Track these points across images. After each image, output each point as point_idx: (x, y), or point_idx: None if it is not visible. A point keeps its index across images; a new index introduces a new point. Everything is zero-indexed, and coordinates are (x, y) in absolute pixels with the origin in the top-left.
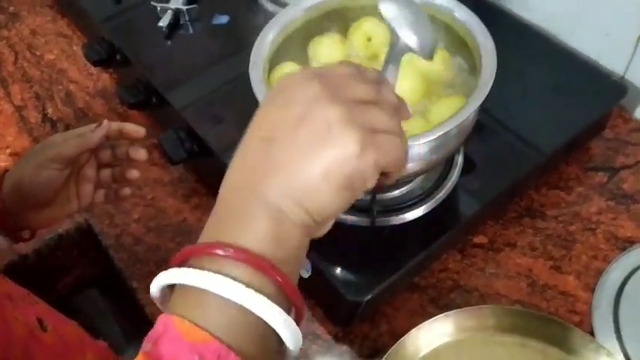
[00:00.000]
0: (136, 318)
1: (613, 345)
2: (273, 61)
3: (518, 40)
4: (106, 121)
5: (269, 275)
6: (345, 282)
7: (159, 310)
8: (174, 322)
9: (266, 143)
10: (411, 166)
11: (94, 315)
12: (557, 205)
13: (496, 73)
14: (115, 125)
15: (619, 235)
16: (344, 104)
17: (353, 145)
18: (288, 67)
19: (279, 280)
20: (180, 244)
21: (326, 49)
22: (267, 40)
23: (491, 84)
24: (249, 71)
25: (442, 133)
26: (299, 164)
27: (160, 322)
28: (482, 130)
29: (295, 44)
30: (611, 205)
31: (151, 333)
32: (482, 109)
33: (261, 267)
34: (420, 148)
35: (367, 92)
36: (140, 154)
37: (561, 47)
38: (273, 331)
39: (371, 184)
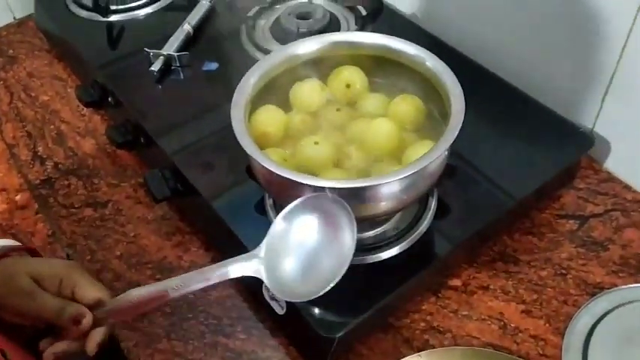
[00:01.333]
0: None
1: None
2: (255, 104)
3: (492, 93)
4: (85, 321)
5: None
6: (319, 319)
7: (142, 357)
8: None
9: None
10: (384, 205)
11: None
12: (529, 251)
13: (470, 122)
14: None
15: (589, 280)
16: None
17: None
18: (270, 110)
19: None
20: (159, 280)
21: (306, 94)
22: (249, 83)
23: (459, 127)
24: (231, 111)
25: (412, 172)
26: None
27: None
28: (455, 175)
29: (277, 89)
30: (582, 252)
31: None
32: (456, 154)
33: None
34: (391, 187)
35: None
36: (91, 346)
37: (532, 100)
38: None
39: None
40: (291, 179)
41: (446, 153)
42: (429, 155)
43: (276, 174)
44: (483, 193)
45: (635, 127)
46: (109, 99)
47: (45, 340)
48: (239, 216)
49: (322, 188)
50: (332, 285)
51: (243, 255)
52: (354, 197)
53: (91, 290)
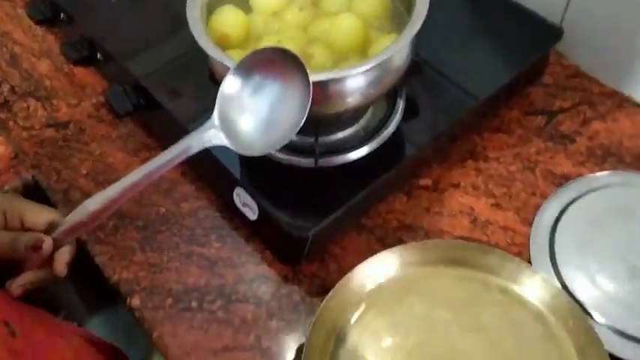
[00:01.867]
0: (94, 282)
1: (548, 271)
2: (213, 6)
3: None
4: (45, 245)
5: None
6: (291, 220)
7: (117, 270)
8: None
9: None
10: (350, 100)
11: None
12: (498, 148)
13: (436, 19)
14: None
15: (556, 172)
16: None
17: None
18: (229, 10)
19: None
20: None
21: None
22: None
23: (423, 17)
24: (187, 12)
25: (376, 63)
26: None
27: None
28: (422, 73)
29: None
30: (549, 146)
31: None
32: (423, 52)
33: None
34: (356, 80)
35: None
36: (60, 269)
37: None
38: None
39: None
40: None
41: (410, 46)
42: (392, 46)
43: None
44: (451, 92)
45: (603, 20)
46: (62, 15)
47: (9, 281)
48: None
49: None
50: (294, 134)
51: (199, 129)
52: (321, 92)
53: (40, 214)
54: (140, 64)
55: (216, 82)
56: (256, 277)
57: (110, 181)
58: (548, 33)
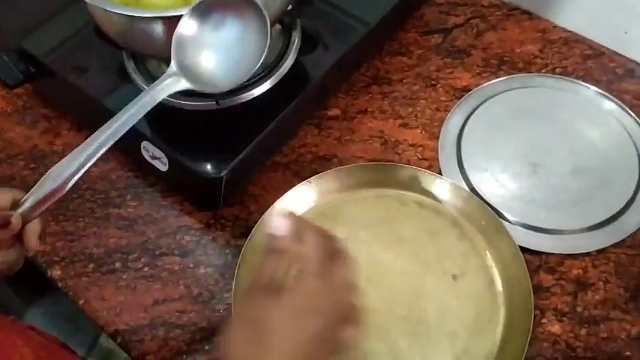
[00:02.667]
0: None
1: (458, 179)
2: None
3: None
4: (14, 219)
5: None
6: (202, 164)
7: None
8: None
9: None
10: None
11: None
12: (400, 70)
13: None
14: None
15: (457, 86)
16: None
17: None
18: None
19: None
20: (34, 170)
21: None
22: None
23: None
24: None
25: None
26: None
27: None
28: (315, 6)
29: None
30: (448, 62)
31: None
32: None
33: None
34: None
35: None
36: (32, 244)
37: None
38: None
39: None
40: (139, 16)
41: None
42: None
43: (123, 15)
44: (344, 20)
45: None
46: None
47: None
48: (103, 87)
49: (176, 17)
50: (254, 68)
51: (159, 79)
52: None
53: (1, 195)
54: (23, 27)
55: (101, 35)
56: (178, 228)
57: (12, 157)
58: None
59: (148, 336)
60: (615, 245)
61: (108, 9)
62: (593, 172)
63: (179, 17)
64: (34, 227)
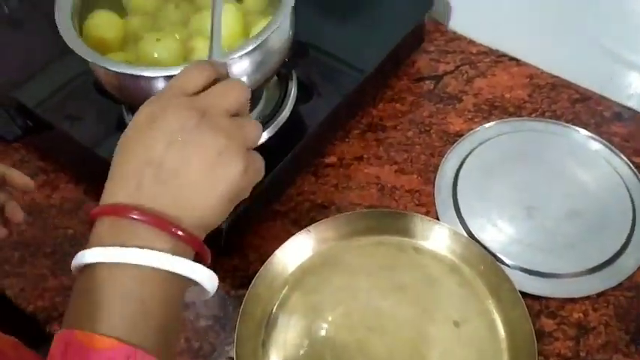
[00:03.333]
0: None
1: (455, 224)
2: (84, 11)
3: None
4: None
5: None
6: None
7: (31, 299)
8: (77, 336)
9: (157, 171)
10: None
11: None
12: (394, 117)
13: (315, 5)
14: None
15: (449, 131)
16: (224, 130)
17: (240, 166)
18: (102, 14)
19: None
20: (31, 224)
21: None
22: None
23: None
24: (55, 17)
25: (254, 45)
26: (200, 194)
27: (60, 340)
28: (310, 57)
29: None
30: (440, 108)
31: (52, 352)
32: (308, 36)
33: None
34: (242, 64)
35: (238, 107)
36: (18, 217)
37: None
38: (182, 284)
39: (247, 194)
40: (139, 75)
41: (288, 26)
42: (269, 26)
43: (123, 74)
44: (338, 70)
45: None
46: None
47: None
48: (101, 139)
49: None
50: None
51: None
52: None
53: None
54: (22, 86)
55: (101, 91)
56: None
57: None
58: (419, 3)
59: None
60: (614, 288)
61: (110, 68)
62: (588, 214)
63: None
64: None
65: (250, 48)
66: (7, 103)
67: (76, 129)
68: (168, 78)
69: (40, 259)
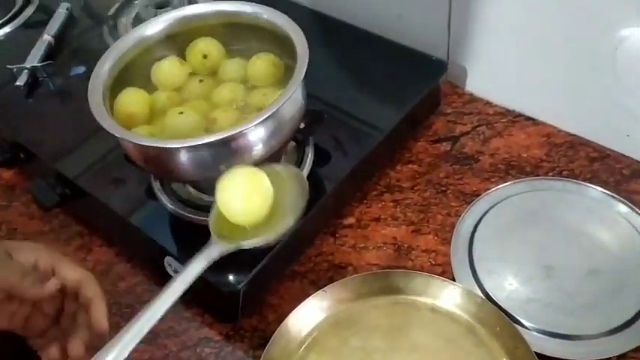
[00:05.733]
0: None
1: (471, 284)
2: (116, 88)
3: (348, 41)
4: (51, 284)
5: None
6: (221, 277)
7: None
8: None
9: None
10: (256, 152)
11: None
12: (411, 178)
13: (331, 69)
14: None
15: (466, 191)
16: None
17: None
18: (131, 91)
19: None
20: None
21: (167, 71)
22: (104, 69)
23: (305, 66)
24: (88, 97)
25: (269, 114)
26: None
27: None
28: (324, 121)
29: (137, 73)
30: (457, 168)
31: None
32: (323, 100)
33: None
34: (256, 133)
35: None
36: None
37: (387, 41)
38: None
39: None
40: (160, 147)
41: (301, 94)
42: (279, 98)
43: (146, 146)
44: (355, 134)
45: (485, 51)
46: None
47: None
48: (132, 206)
49: (196, 147)
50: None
51: (204, 250)
52: (226, 149)
53: (74, 270)
54: (62, 154)
55: (130, 162)
56: (199, 341)
57: None
58: (434, 67)
59: None
60: (635, 349)
61: (134, 141)
62: (608, 274)
63: (202, 145)
64: (101, 307)
65: (264, 117)
66: (44, 172)
67: (108, 196)
68: (187, 148)
69: None
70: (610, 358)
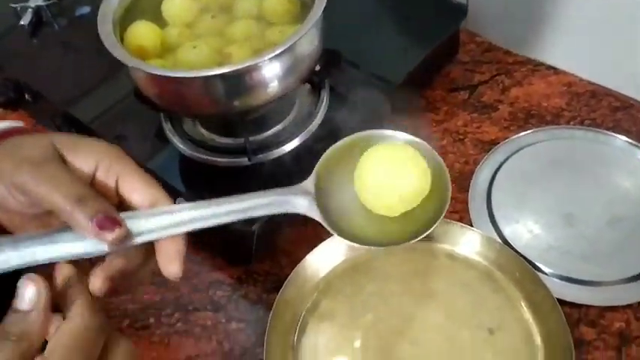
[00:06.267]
0: None
1: (489, 230)
2: (126, 21)
3: None
4: (117, 232)
5: None
6: None
7: None
8: None
9: None
10: (271, 90)
11: None
12: (428, 126)
13: (348, 14)
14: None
15: (484, 139)
16: None
17: None
18: (142, 24)
19: None
20: None
21: (178, 6)
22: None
23: (324, 2)
24: (98, 27)
25: (285, 48)
26: None
27: None
28: (342, 66)
29: (147, 6)
30: (475, 117)
31: None
32: (340, 45)
33: None
34: (272, 67)
35: None
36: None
37: None
38: None
39: None
40: (173, 76)
41: (318, 31)
42: (297, 31)
43: (159, 76)
44: (370, 79)
45: None
46: None
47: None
48: (142, 147)
49: (209, 78)
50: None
51: (284, 190)
52: (240, 83)
53: (146, 188)
54: (70, 97)
55: (140, 98)
56: (211, 284)
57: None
58: (453, 12)
59: None
60: None
61: (147, 70)
62: (629, 221)
63: (216, 77)
64: (172, 247)
65: (280, 50)
66: (55, 115)
67: (119, 138)
68: (201, 79)
69: None
70: (631, 304)
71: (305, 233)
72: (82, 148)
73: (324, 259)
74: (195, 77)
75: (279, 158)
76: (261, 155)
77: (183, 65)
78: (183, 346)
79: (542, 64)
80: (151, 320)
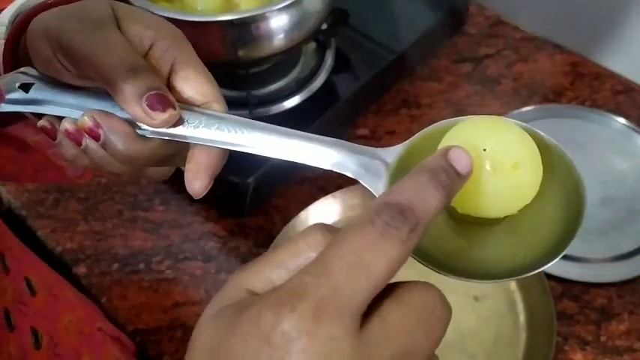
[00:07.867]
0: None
1: None
2: None
3: None
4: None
5: None
6: (230, 169)
7: (60, 241)
8: None
9: None
10: (276, 43)
11: None
12: (430, 95)
13: None
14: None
15: (486, 113)
16: None
17: None
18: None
19: None
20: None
21: None
22: None
23: None
24: None
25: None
26: None
27: None
28: (348, 29)
29: None
30: (478, 90)
31: None
32: (348, 8)
33: None
34: (279, 19)
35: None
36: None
37: None
38: None
39: None
40: (179, 19)
41: None
42: None
43: (166, 17)
44: (376, 44)
45: None
46: None
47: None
48: None
49: (215, 24)
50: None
51: (363, 150)
52: (246, 32)
53: (203, 84)
54: None
55: None
56: (202, 234)
57: None
58: None
59: (166, 337)
60: None
61: (155, 12)
62: (621, 202)
63: (222, 24)
64: (199, 160)
65: (287, 2)
66: None
67: None
68: (206, 24)
69: (72, 204)
70: (615, 282)
71: (300, 192)
72: (141, 20)
73: (317, 217)
74: (200, 22)
75: (279, 114)
76: (261, 109)
77: (190, 10)
78: (172, 293)
79: (548, 41)
80: (141, 266)
